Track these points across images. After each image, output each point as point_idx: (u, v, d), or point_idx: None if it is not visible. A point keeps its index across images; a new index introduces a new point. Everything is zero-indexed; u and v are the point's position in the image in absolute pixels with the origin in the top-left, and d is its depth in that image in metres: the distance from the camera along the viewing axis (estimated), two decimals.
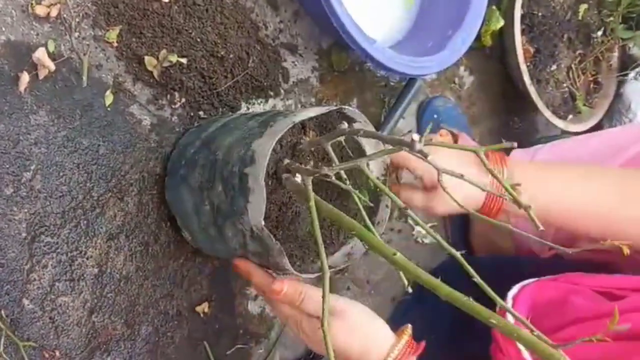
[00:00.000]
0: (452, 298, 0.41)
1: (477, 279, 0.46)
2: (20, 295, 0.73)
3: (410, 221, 1.17)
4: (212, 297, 0.90)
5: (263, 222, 0.62)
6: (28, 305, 0.74)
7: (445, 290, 0.42)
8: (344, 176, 0.59)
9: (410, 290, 0.53)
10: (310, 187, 0.57)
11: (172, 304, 0.86)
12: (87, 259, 0.78)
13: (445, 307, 1.08)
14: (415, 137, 0.43)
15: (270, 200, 0.68)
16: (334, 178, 0.56)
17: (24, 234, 0.73)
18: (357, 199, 0.56)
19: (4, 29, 0.71)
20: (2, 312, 0.72)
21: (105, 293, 0.80)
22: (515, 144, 0.56)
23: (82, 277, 0.78)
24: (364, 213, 0.56)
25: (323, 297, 0.48)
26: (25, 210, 0.73)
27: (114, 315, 0.81)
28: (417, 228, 1.19)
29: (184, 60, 0.83)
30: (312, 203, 0.56)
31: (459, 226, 1.23)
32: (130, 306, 0.82)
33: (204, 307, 0.89)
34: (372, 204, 0.59)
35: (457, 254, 0.47)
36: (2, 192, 0.71)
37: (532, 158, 1.10)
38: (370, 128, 0.72)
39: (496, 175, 0.49)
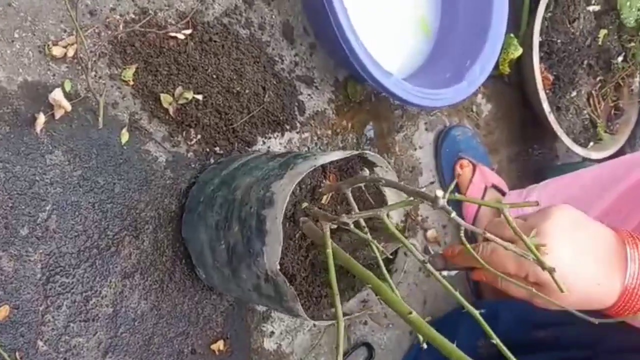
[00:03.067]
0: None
1: (495, 340, 0.44)
2: (35, 337, 0.73)
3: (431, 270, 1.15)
4: (228, 334, 0.89)
5: (278, 267, 0.61)
6: (42, 347, 0.73)
7: (457, 354, 0.41)
8: (363, 223, 0.58)
9: (425, 346, 0.51)
10: (328, 234, 0.56)
11: (187, 343, 0.85)
12: (102, 298, 0.78)
13: (460, 347, 1.06)
14: (439, 193, 0.42)
15: (286, 243, 0.67)
16: (352, 226, 0.55)
17: (39, 275, 0.73)
18: (375, 250, 0.54)
19: (21, 70, 0.72)
20: (17, 354, 0.72)
21: (119, 333, 0.79)
22: (542, 203, 0.55)
23: (96, 317, 0.77)
24: (382, 265, 0.54)
25: (337, 347, 0.47)
26: (41, 251, 0.73)
27: (128, 356, 0.80)
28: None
29: (199, 97, 0.82)
30: (330, 250, 0.55)
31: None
32: (144, 345, 0.81)
33: (219, 345, 0.87)
34: (391, 256, 0.58)
35: (476, 312, 0.46)
36: (17, 233, 0.71)
37: (525, 199, 1.08)
38: (392, 173, 0.71)
39: (519, 232, 0.48)
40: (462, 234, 0.50)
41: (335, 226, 0.68)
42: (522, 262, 0.59)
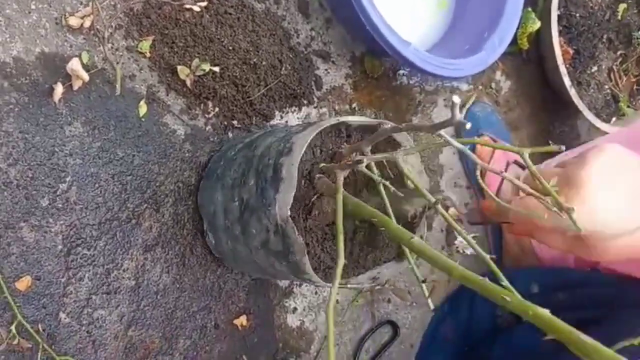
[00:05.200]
0: (466, 278, 0.39)
1: (505, 282, 0.43)
2: (57, 309, 0.72)
3: (457, 234, 1.13)
4: (251, 309, 0.88)
5: (289, 212, 0.60)
6: (65, 319, 0.73)
7: (458, 271, 0.40)
8: (383, 187, 0.57)
9: (432, 306, 0.50)
10: (341, 180, 0.55)
11: (209, 317, 0.84)
12: (124, 271, 0.77)
13: (479, 317, 1.04)
14: (456, 99, 0.40)
15: (300, 200, 0.66)
16: (365, 165, 0.54)
17: (60, 247, 0.73)
18: (382, 189, 0.54)
19: (38, 41, 0.72)
20: (39, 326, 0.71)
21: (142, 306, 0.78)
22: (563, 147, 0.53)
23: (118, 290, 0.77)
24: (387, 204, 0.53)
25: (332, 285, 0.46)
26: (61, 222, 0.73)
27: (151, 329, 0.79)
28: (459, 239, 1.16)
29: (216, 69, 0.82)
30: (340, 195, 0.54)
31: (496, 241, 1.19)
32: (167, 319, 0.81)
33: (242, 320, 0.86)
34: (402, 194, 0.57)
35: (487, 256, 0.45)
36: (38, 204, 0.71)
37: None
38: (411, 144, 0.70)
39: (538, 176, 0.46)
40: (477, 174, 0.49)
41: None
42: (559, 215, 0.56)
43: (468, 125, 0.40)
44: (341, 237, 0.48)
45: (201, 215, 0.81)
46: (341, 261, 0.46)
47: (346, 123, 0.69)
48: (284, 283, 0.92)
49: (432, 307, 0.60)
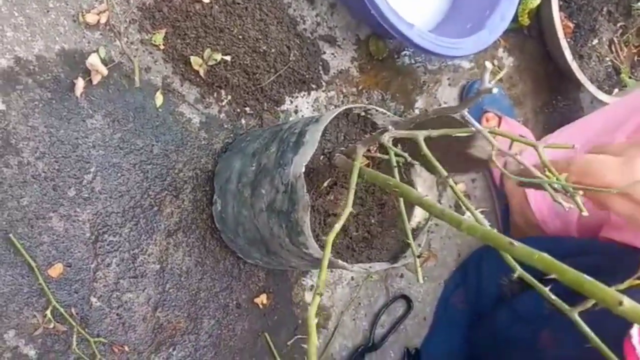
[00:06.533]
0: (473, 230, 0.42)
1: (519, 270, 0.46)
2: (88, 294, 0.76)
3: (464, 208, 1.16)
4: (270, 288, 0.92)
5: (304, 169, 0.62)
6: (96, 302, 0.77)
7: (466, 224, 0.43)
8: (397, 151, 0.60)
9: (421, 280, 0.54)
10: (360, 154, 0.58)
11: (231, 297, 0.88)
12: (148, 256, 0.81)
13: (486, 284, 1.07)
14: (488, 65, 0.42)
15: (314, 178, 0.69)
16: (386, 141, 0.57)
17: (88, 234, 0.76)
18: (393, 158, 0.58)
19: (57, 38, 0.75)
20: (73, 310, 0.75)
21: (167, 288, 0.82)
22: (577, 146, 0.56)
23: (144, 274, 0.80)
24: (396, 175, 0.57)
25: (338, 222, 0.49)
26: (88, 211, 0.76)
27: (177, 310, 0.83)
28: (468, 213, 1.19)
29: (227, 58, 0.85)
30: (357, 162, 0.57)
31: (504, 217, 1.22)
32: (191, 300, 0.84)
33: (262, 299, 0.90)
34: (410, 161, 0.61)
35: (488, 224, 0.47)
36: (65, 195, 0.74)
37: None
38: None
39: (552, 169, 0.49)
40: (493, 155, 0.52)
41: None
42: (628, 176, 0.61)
43: (495, 90, 0.41)
44: (352, 193, 0.52)
45: (214, 184, 0.84)
46: (348, 209, 0.49)
47: (372, 120, 0.74)
48: None
49: (421, 280, 0.63)
